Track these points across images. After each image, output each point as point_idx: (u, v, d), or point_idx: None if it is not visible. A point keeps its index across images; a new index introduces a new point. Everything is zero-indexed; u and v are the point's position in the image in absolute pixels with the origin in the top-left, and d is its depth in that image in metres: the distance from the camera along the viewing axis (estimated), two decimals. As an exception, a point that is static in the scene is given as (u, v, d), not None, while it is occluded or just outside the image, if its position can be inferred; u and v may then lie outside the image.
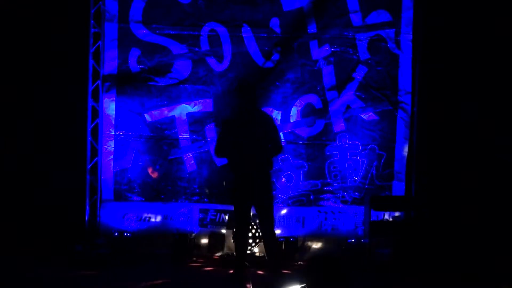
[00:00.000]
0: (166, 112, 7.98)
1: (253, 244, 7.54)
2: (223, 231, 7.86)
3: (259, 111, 6.62)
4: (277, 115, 7.92)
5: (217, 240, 7.78)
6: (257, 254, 7.43)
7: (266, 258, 6.93)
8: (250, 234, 7.24)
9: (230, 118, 6.65)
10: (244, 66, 7.96)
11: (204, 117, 8.00)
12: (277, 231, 7.28)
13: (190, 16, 7.92)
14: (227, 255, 7.59)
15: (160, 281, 6.47)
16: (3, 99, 7.96)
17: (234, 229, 7.01)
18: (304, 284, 5.15)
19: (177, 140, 7.99)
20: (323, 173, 8.04)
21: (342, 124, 8.04)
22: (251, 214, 6.56)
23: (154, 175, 7.95)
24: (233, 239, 7.32)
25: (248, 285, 6.12)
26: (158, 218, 7.94)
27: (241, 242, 6.51)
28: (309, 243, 7.93)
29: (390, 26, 8.01)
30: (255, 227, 7.50)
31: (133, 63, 7.92)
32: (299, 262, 7.57)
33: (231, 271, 6.51)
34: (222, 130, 6.60)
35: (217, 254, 7.71)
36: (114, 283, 6.35)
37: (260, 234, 7.28)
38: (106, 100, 7.93)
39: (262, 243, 7.53)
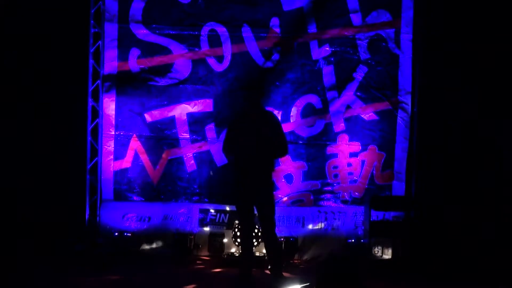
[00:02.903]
0: (166, 112, 7.98)
1: (255, 244, 7.52)
2: (223, 231, 7.86)
3: (266, 112, 6.55)
4: (277, 115, 7.90)
5: (217, 240, 7.78)
6: (257, 254, 7.42)
7: (266, 258, 6.91)
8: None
9: (236, 118, 6.62)
10: (244, 66, 7.96)
11: (204, 117, 8.00)
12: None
13: (190, 16, 7.92)
14: (227, 255, 7.59)
15: (160, 281, 6.47)
16: (3, 99, 7.95)
17: (239, 228, 6.92)
18: (309, 284, 5.15)
19: (177, 140, 7.99)
20: (323, 173, 8.05)
21: (342, 124, 8.04)
22: (254, 213, 6.51)
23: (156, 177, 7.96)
24: (239, 238, 7.27)
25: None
26: (158, 218, 7.94)
27: (247, 241, 6.47)
28: (309, 243, 7.92)
29: (390, 26, 8.02)
30: (256, 226, 7.49)
31: (133, 63, 7.92)
32: (299, 262, 7.59)
33: (238, 272, 6.45)
34: (229, 129, 6.57)
35: (217, 254, 7.71)
36: (114, 283, 6.35)
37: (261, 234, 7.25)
38: (106, 100, 7.93)
39: (262, 243, 7.59)
